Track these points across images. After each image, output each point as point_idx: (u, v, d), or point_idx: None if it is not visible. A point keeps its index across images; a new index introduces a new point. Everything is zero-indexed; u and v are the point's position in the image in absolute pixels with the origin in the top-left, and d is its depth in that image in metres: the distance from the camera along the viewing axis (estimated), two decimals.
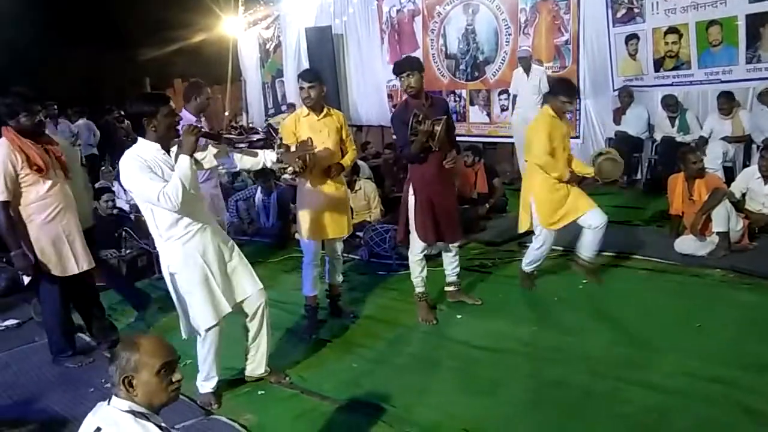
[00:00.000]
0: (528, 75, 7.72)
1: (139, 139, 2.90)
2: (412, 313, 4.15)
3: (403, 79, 3.85)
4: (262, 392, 3.32)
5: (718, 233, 4.69)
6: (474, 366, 3.44)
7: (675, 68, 7.01)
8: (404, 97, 4.02)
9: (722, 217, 4.64)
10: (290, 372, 3.50)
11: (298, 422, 3.02)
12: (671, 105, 6.81)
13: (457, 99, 9.14)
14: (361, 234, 5.58)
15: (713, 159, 6.04)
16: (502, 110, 8.63)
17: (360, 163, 7.25)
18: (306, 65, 10.44)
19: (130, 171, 2.81)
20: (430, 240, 3.96)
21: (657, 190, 6.18)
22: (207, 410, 3.13)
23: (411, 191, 3.97)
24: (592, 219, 4.15)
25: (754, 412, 2.73)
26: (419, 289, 4.13)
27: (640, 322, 3.77)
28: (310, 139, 3.64)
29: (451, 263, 4.22)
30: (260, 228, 6.56)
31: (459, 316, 4.09)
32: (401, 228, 4.14)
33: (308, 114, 3.94)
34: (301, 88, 3.91)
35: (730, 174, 6.04)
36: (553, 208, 4.14)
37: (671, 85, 7.04)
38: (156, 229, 2.94)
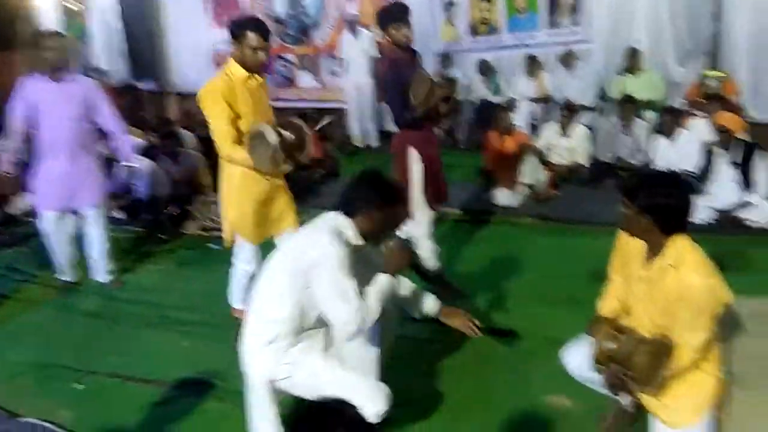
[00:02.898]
0: (356, 39, 7.77)
1: (339, 217, 2.19)
2: None
3: (399, 27, 3.31)
4: (81, 386, 3.05)
5: (527, 185, 5.16)
6: None
7: (488, 34, 7.49)
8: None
9: (530, 170, 5.11)
10: (117, 359, 3.26)
11: (124, 411, 2.82)
12: (485, 69, 7.29)
13: (285, 64, 8.95)
14: (190, 207, 5.32)
15: (521, 117, 6.60)
16: (332, 75, 8.63)
17: (184, 132, 6.85)
18: (119, 27, 9.55)
19: (332, 266, 2.08)
20: (438, 206, 3.56)
21: (475, 148, 6.62)
22: (10, 411, 2.80)
23: (416, 158, 3.39)
24: None
25: (556, 341, 3.06)
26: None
27: (463, 268, 4.04)
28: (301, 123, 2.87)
29: None
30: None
31: None
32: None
33: (249, 77, 3.04)
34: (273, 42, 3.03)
35: (535, 131, 6.65)
36: None
37: (485, 50, 7.52)
38: (267, 326, 2.20)
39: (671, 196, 2.01)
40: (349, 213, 2.17)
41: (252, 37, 2.98)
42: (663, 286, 2.08)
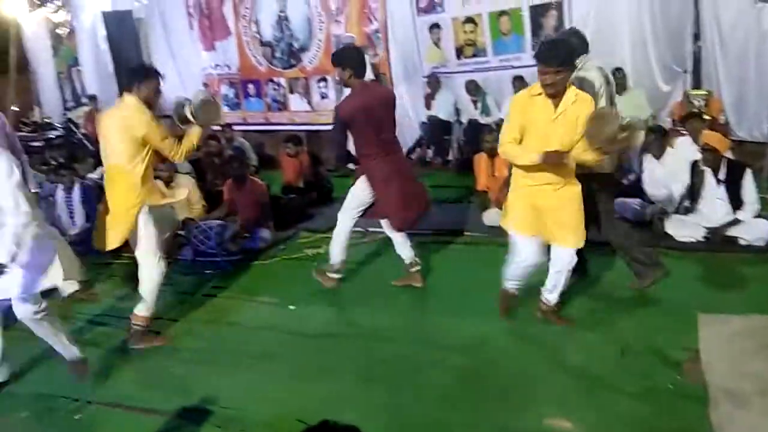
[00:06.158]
0: None
1: None
2: (241, 310, 4.05)
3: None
4: (79, 416, 3.02)
5: None
6: (306, 354, 3.44)
7: (474, 55, 7.62)
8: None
9: None
10: (111, 387, 3.23)
11: None
12: (473, 90, 7.40)
13: (276, 87, 9.03)
14: (183, 232, 5.31)
15: None
16: (322, 98, 8.71)
17: None
18: (107, 52, 9.60)
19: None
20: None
21: (466, 169, 6.67)
22: None
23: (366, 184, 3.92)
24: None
25: (551, 361, 3.10)
26: None
27: (456, 292, 4.05)
28: None
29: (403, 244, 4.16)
30: (64, 232, 5.89)
31: (292, 307, 4.06)
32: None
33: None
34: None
35: None
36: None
37: (472, 71, 7.63)
38: None
39: (573, 46, 3.04)
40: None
41: None
42: (574, 113, 2.97)
